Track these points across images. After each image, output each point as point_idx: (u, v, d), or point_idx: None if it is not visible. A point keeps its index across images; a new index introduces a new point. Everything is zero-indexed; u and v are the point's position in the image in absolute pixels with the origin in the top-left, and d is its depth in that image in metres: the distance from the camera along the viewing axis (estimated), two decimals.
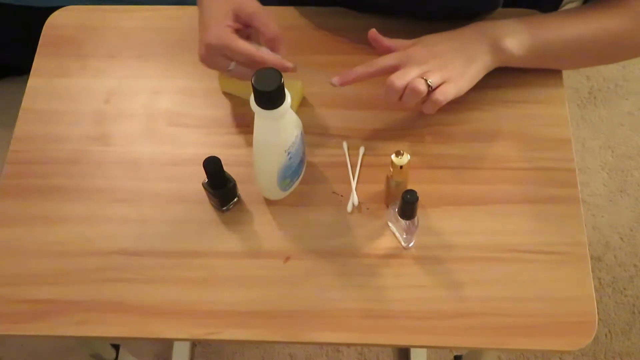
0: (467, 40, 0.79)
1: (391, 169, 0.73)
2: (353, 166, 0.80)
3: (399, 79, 0.75)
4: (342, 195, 0.79)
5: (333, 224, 0.77)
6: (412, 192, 0.69)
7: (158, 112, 0.85)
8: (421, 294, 0.73)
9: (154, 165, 0.82)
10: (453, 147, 0.81)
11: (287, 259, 0.75)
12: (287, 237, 0.77)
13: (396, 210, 0.72)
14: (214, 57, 0.76)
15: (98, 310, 0.73)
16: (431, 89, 0.76)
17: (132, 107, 0.86)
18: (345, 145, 0.82)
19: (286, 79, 0.79)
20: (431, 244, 0.76)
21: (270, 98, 0.65)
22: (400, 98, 0.76)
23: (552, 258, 0.75)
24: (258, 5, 0.77)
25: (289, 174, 0.75)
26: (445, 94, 0.76)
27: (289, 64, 0.76)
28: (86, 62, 0.90)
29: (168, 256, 0.76)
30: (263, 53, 0.76)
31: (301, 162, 0.77)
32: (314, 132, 0.83)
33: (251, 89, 0.65)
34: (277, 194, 0.78)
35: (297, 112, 0.82)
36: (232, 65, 0.76)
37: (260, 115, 0.67)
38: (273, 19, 0.77)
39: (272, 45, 0.77)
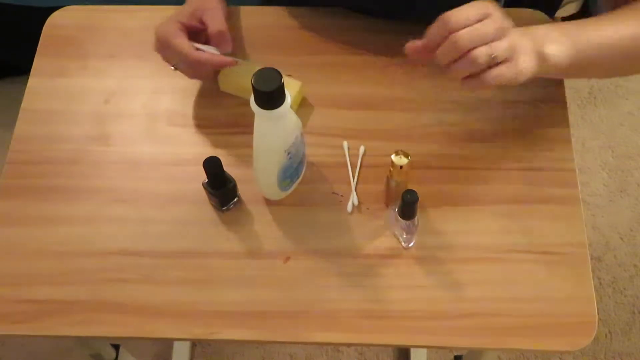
0: (521, 36, 0.67)
1: (391, 169, 0.73)
2: (353, 166, 0.81)
3: (471, 39, 0.63)
4: (342, 196, 0.79)
5: (333, 224, 0.77)
6: (412, 192, 0.68)
7: (158, 112, 0.85)
8: (421, 294, 0.73)
9: (154, 165, 0.82)
10: (453, 147, 0.81)
11: (287, 259, 0.75)
12: (287, 237, 0.77)
13: (396, 210, 0.72)
14: (163, 50, 0.79)
15: (98, 310, 0.73)
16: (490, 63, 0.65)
17: (132, 107, 0.86)
18: (345, 145, 0.82)
19: (286, 79, 0.79)
20: (431, 244, 0.76)
21: (270, 98, 0.65)
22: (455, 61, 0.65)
23: (553, 258, 0.75)
24: (218, 4, 0.80)
25: (289, 174, 0.75)
26: (499, 77, 0.65)
27: (228, 58, 0.78)
28: (86, 62, 0.90)
29: (168, 256, 0.76)
30: (198, 54, 0.77)
31: (301, 162, 0.77)
32: (314, 132, 0.83)
33: (251, 89, 0.65)
34: (277, 194, 0.78)
35: (297, 113, 0.82)
36: (175, 63, 0.79)
37: (260, 116, 0.67)
38: (223, 17, 0.80)
39: (217, 41, 0.80)
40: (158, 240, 0.77)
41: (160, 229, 0.77)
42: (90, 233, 0.77)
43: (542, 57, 0.68)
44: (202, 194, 0.78)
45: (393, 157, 0.71)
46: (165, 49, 0.79)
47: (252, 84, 0.64)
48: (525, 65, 0.66)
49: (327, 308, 0.73)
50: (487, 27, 0.64)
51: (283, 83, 0.64)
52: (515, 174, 0.80)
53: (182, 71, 0.80)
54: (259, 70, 0.64)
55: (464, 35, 0.63)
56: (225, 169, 0.74)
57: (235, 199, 0.78)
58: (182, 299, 0.74)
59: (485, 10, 0.65)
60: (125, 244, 0.77)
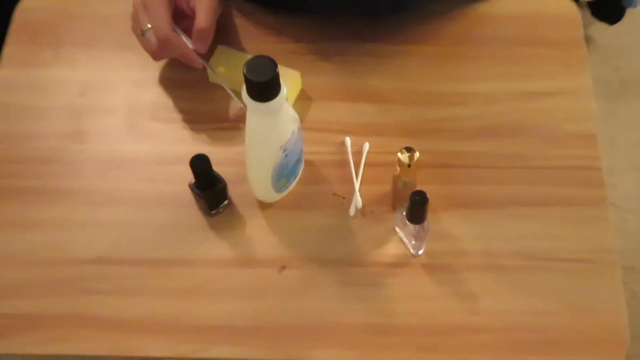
0: None
1: (398, 168, 0.72)
2: (356, 165, 0.80)
3: None
4: (344, 197, 0.79)
5: (334, 229, 0.77)
6: (421, 194, 0.68)
7: (140, 106, 0.85)
8: (431, 306, 0.73)
9: (135, 165, 0.82)
10: (467, 143, 0.81)
11: (283, 268, 0.75)
12: (282, 243, 0.77)
13: (404, 213, 0.72)
14: (139, 10, 0.79)
15: (72, 325, 0.73)
16: None
17: (111, 101, 0.86)
18: (347, 141, 0.82)
19: (282, 68, 0.78)
20: (443, 251, 0.76)
21: (264, 89, 0.65)
22: None
23: (577, 266, 0.74)
24: None
25: (285, 173, 0.75)
26: None
27: (198, 58, 0.80)
28: (61, 50, 0.89)
29: (150, 265, 0.76)
30: (173, 34, 0.78)
31: (298, 160, 0.77)
32: (312, 127, 0.83)
33: (242, 79, 0.65)
34: (271, 195, 0.77)
35: (294, 106, 0.82)
36: (146, 27, 0.78)
37: (253, 109, 0.67)
38: (214, 13, 0.80)
39: (197, 37, 0.80)
40: (139, 247, 0.77)
41: (142, 234, 0.77)
42: (63, 239, 0.77)
43: None
44: (189, 195, 0.78)
45: (400, 154, 0.71)
46: (141, 10, 0.79)
47: (243, 74, 0.63)
48: None
49: (327, 322, 0.72)
50: None
51: (278, 72, 0.64)
52: (535, 172, 0.80)
53: (144, 43, 0.80)
54: (252, 59, 0.64)
55: None
56: (214, 168, 0.74)
57: (226, 202, 0.78)
58: (166, 312, 0.73)
59: None
60: (103, 251, 0.76)
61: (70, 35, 0.90)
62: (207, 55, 0.84)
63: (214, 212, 0.78)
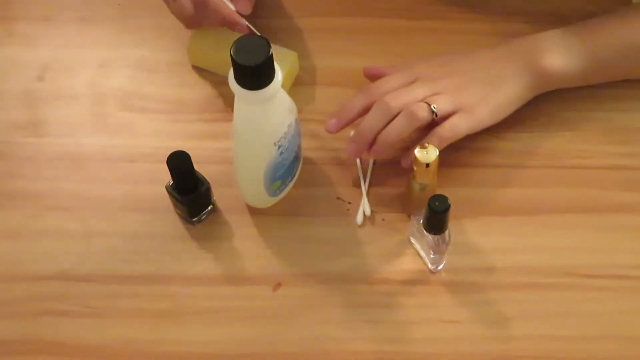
0: (495, 59, 0.78)
1: (414, 168, 0.72)
2: (364, 164, 0.80)
3: (395, 99, 0.74)
4: (349, 202, 0.78)
5: (338, 239, 0.77)
6: (441, 198, 0.68)
7: (107, 92, 0.85)
8: (453, 331, 0.72)
9: (102, 162, 0.81)
10: (496, 137, 0.81)
11: (278, 286, 0.75)
12: (277, 257, 0.76)
13: (421, 222, 0.71)
14: None
15: (29, 352, 0.72)
16: (435, 117, 0.74)
17: (73, 86, 0.86)
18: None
19: (276, 48, 0.77)
20: (466, 266, 0.75)
21: (255, 74, 0.64)
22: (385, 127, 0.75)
23: (627, 284, 0.74)
24: None
25: (280, 174, 0.75)
26: (455, 128, 0.75)
27: (242, 20, 0.79)
28: (14, 26, 0.89)
29: (122, 282, 0.75)
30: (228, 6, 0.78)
31: (296, 158, 0.77)
32: (312, 119, 0.82)
33: (230, 62, 0.64)
34: (264, 200, 0.77)
35: (291, 93, 0.81)
36: None
37: (242, 98, 0.66)
38: None
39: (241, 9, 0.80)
40: (108, 261, 0.76)
41: (112, 245, 0.77)
42: (18, 251, 0.77)
43: (538, 68, 0.77)
44: (166, 199, 0.77)
45: (417, 152, 0.71)
46: None
47: (231, 56, 0.63)
48: (486, 103, 0.77)
49: (329, 350, 0.72)
50: (417, 89, 0.76)
51: (272, 55, 0.63)
52: (576, 173, 0.79)
53: (175, 7, 0.79)
54: (241, 39, 0.64)
55: (389, 98, 0.75)
56: (195, 167, 0.74)
57: (210, 207, 0.78)
58: (141, 337, 0.73)
59: (409, 72, 0.78)
60: (65, 264, 0.76)
61: (25, 8, 0.91)
62: (185, 36, 0.83)
63: (195, 219, 0.77)
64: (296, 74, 0.85)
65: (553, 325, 0.73)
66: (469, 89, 0.76)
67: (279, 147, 0.71)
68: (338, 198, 0.78)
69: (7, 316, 0.74)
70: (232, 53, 0.63)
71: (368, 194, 0.78)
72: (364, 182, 0.79)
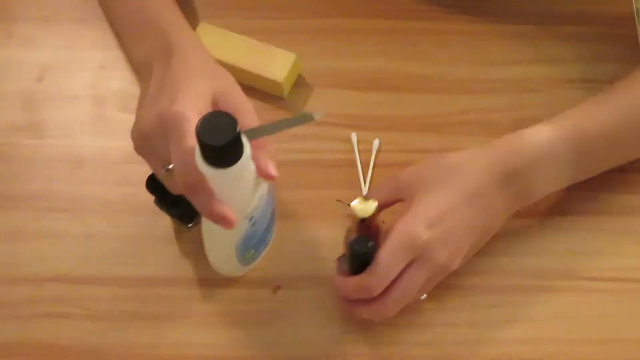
0: (486, 195, 0.70)
1: (352, 221, 0.70)
2: (364, 166, 0.80)
3: (397, 305, 0.70)
4: (349, 205, 0.78)
5: (338, 241, 0.76)
6: (362, 240, 0.66)
7: (107, 94, 0.85)
8: (453, 334, 0.73)
9: (101, 164, 0.81)
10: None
11: (278, 288, 0.75)
12: (277, 258, 0.76)
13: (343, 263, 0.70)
14: (157, 135, 0.66)
15: (28, 354, 0.73)
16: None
17: (73, 87, 0.86)
18: (354, 137, 0.82)
19: (276, 50, 0.77)
20: (467, 269, 0.74)
21: (223, 154, 0.60)
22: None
23: (629, 287, 0.75)
24: (244, 95, 0.69)
25: (253, 244, 0.73)
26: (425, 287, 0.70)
27: (273, 170, 0.65)
28: (13, 27, 0.89)
29: (121, 284, 0.75)
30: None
31: (271, 221, 0.74)
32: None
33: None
34: (237, 270, 0.76)
35: (291, 94, 0.82)
36: (169, 166, 0.66)
37: (209, 176, 0.62)
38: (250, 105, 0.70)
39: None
40: (107, 263, 0.76)
41: (110, 247, 0.77)
42: (17, 253, 0.77)
43: (528, 196, 0.72)
44: None
45: (356, 203, 0.68)
46: (158, 136, 0.66)
47: (196, 135, 0.58)
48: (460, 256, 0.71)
49: (331, 353, 0.72)
50: (416, 280, 0.68)
51: (239, 132, 0.59)
52: None
53: (168, 181, 0.69)
54: (206, 116, 0.59)
55: (391, 302, 0.69)
56: None
57: None
58: (139, 340, 0.73)
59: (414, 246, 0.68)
60: (65, 267, 0.76)
61: (24, 9, 0.90)
62: None
63: (191, 225, 0.77)
64: (297, 75, 0.85)
65: (555, 328, 0.73)
66: (461, 256, 0.70)
67: (250, 220, 0.68)
68: (338, 200, 0.78)
69: (6, 318, 0.74)
70: (197, 132, 0.58)
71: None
72: (364, 184, 0.79)
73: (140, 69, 0.73)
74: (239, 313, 0.74)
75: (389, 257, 0.67)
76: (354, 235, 0.69)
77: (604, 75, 0.83)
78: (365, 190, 0.79)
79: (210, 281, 0.76)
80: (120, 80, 0.86)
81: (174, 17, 0.76)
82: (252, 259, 0.75)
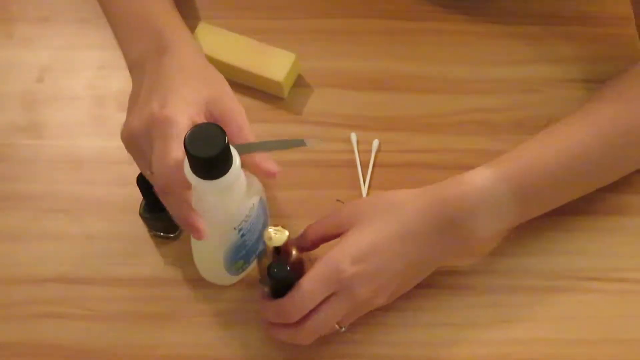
0: (422, 235, 0.69)
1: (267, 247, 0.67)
2: (364, 166, 0.80)
3: (313, 334, 0.69)
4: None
5: (338, 241, 0.75)
6: (278, 267, 0.65)
7: (107, 94, 0.85)
8: (450, 334, 0.73)
9: (101, 164, 0.81)
10: (497, 140, 0.81)
11: None
12: None
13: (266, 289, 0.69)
14: (145, 135, 0.66)
15: (29, 355, 0.73)
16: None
17: (72, 87, 0.86)
18: (353, 137, 0.82)
19: (276, 50, 0.77)
20: (465, 270, 0.75)
21: (212, 165, 0.60)
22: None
23: (626, 288, 0.75)
24: (236, 101, 0.70)
25: (242, 254, 0.72)
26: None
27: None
28: (13, 28, 0.89)
29: (121, 284, 0.76)
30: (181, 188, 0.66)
31: (261, 234, 0.72)
32: (311, 121, 0.83)
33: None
34: (226, 279, 0.75)
35: (291, 94, 0.82)
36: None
37: (198, 187, 0.62)
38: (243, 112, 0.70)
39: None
40: (107, 263, 0.76)
41: (111, 247, 0.77)
42: (17, 253, 0.77)
43: (472, 240, 0.71)
44: None
45: (270, 231, 0.66)
46: (147, 138, 0.66)
47: (185, 146, 0.59)
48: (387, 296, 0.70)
49: (328, 352, 0.72)
50: (335, 312, 0.67)
51: (228, 143, 0.59)
52: None
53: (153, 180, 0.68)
54: (195, 128, 0.59)
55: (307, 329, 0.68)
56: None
57: None
58: (140, 340, 0.73)
59: (334, 277, 0.66)
60: (65, 267, 0.76)
61: (24, 9, 0.90)
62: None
63: (178, 232, 0.77)
64: (296, 75, 0.85)
65: (552, 328, 0.73)
66: (386, 294, 0.70)
67: (239, 231, 0.68)
68: (337, 200, 0.78)
69: (6, 319, 0.74)
70: (185, 143, 0.58)
71: (368, 196, 0.78)
72: (364, 185, 0.79)
73: (134, 68, 0.73)
74: (239, 312, 0.74)
75: (310, 285, 0.66)
76: (270, 261, 0.68)
77: (604, 75, 0.83)
78: (364, 191, 0.79)
79: (209, 282, 0.76)
80: (120, 81, 0.85)
81: (170, 17, 0.76)
82: (241, 269, 0.75)
